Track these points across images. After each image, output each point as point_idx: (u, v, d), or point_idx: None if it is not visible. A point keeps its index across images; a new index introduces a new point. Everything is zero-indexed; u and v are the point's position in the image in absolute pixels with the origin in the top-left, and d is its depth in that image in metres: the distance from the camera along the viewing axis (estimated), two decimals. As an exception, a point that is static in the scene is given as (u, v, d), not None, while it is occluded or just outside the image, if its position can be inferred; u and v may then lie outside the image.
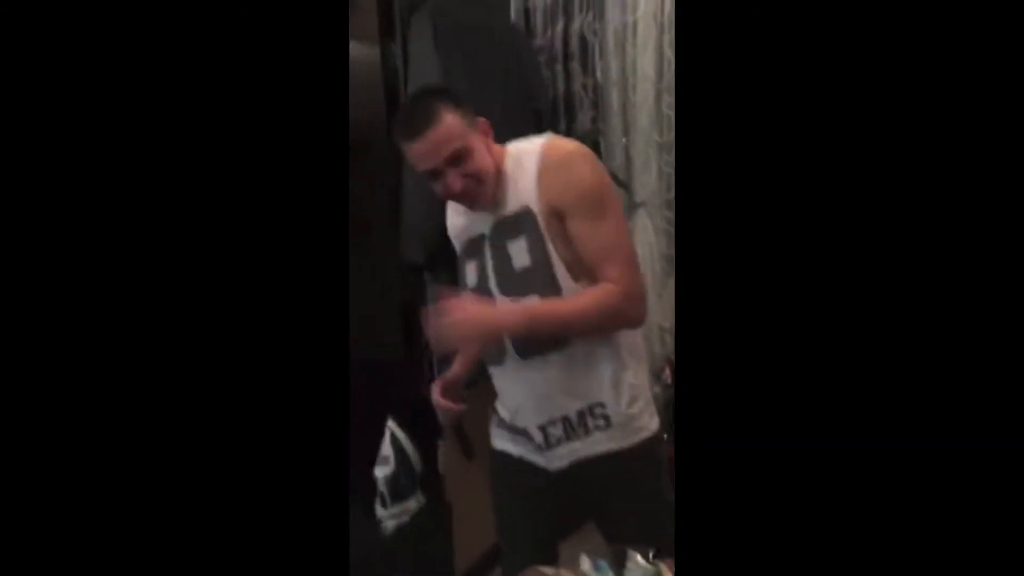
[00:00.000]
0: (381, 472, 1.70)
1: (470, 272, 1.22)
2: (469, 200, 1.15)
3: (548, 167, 1.13)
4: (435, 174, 1.09)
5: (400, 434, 1.75)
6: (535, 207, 1.12)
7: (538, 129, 1.93)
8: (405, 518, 1.69)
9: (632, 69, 2.04)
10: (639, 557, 0.97)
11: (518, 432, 1.23)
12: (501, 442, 1.29)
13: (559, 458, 1.19)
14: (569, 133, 2.02)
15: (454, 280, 1.84)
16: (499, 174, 1.15)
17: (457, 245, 1.27)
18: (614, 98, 2.08)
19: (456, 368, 1.31)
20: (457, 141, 1.08)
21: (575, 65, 2.09)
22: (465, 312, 1.09)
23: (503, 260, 1.16)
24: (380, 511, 1.69)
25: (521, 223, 1.13)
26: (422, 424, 1.84)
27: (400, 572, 1.62)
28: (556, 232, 1.12)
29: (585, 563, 0.98)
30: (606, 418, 1.17)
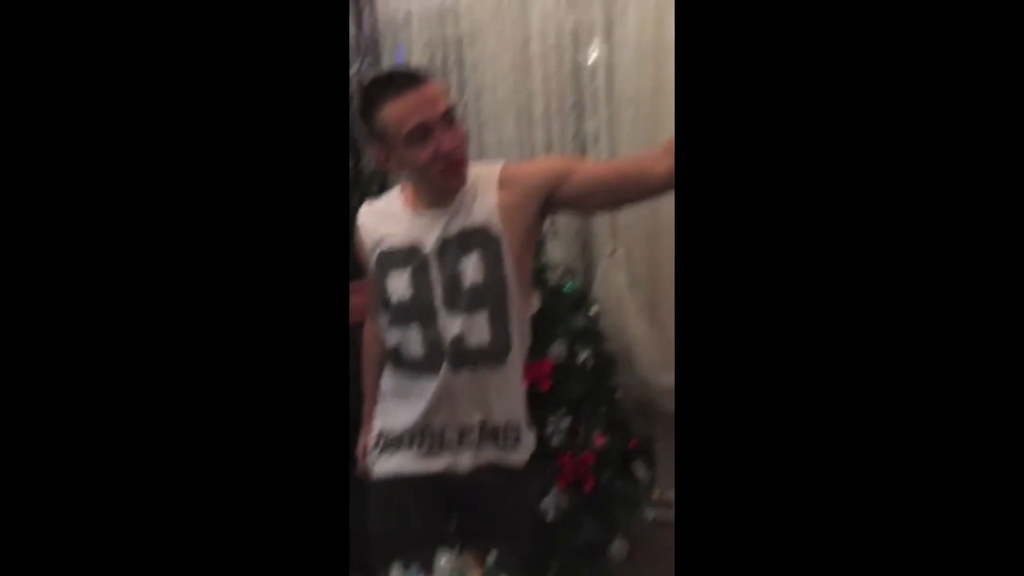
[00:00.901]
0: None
1: (398, 283, 1.18)
2: (452, 173, 1.10)
3: (507, 179, 1.16)
4: (425, 131, 1.05)
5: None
6: (497, 228, 1.14)
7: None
8: None
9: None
10: (445, 557, 1.07)
11: (427, 434, 1.22)
12: (392, 463, 1.27)
13: (463, 460, 1.22)
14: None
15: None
16: None
17: (374, 254, 1.21)
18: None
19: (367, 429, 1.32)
20: (448, 102, 1.08)
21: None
22: None
23: (453, 275, 1.14)
24: None
25: (478, 239, 1.14)
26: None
27: None
28: (517, 253, 1.16)
29: (397, 570, 1.04)
30: (517, 438, 1.25)
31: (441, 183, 1.13)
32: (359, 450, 1.33)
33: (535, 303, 1.32)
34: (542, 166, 1.23)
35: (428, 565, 1.06)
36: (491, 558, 1.05)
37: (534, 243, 1.24)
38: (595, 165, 1.27)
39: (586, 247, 2.11)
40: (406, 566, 1.06)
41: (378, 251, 1.21)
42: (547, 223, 1.99)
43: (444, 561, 1.06)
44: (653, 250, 1.96)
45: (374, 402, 1.35)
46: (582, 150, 2.05)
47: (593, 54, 1.99)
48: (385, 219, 1.22)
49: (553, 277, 1.90)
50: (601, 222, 2.05)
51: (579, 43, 2.02)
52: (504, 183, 1.17)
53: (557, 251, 1.98)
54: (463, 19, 2.11)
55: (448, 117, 1.08)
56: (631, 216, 1.94)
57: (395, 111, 1.06)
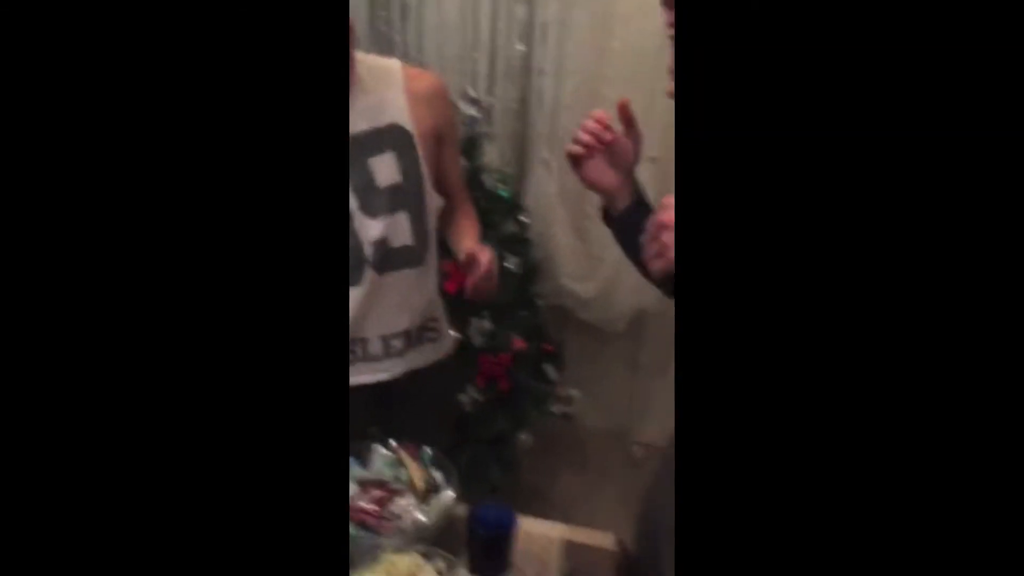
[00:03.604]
0: None
1: None
2: None
3: (422, 92, 1.15)
4: None
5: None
6: (409, 127, 1.13)
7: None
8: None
9: None
10: (381, 448, 1.12)
11: (353, 346, 1.22)
12: None
13: (388, 369, 1.24)
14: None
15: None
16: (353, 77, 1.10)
17: None
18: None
19: None
20: None
21: None
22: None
23: (364, 176, 1.12)
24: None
25: (390, 139, 1.12)
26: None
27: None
28: (428, 152, 1.16)
29: (334, 462, 1.09)
30: (436, 330, 1.28)
31: None
32: None
33: (439, 199, 1.31)
34: (443, 107, 1.20)
35: (364, 459, 1.12)
36: (426, 452, 1.11)
37: (441, 143, 1.22)
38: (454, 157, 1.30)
39: (521, 153, 2.10)
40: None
41: None
42: (483, 125, 1.99)
43: (380, 455, 1.12)
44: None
45: None
46: (527, 39, 1.99)
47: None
48: None
49: (488, 181, 1.90)
50: (539, 127, 2.04)
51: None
52: (419, 90, 1.16)
53: (493, 155, 1.97)
54: None
55: None
56: (571, 124, 1.94)
57: None
